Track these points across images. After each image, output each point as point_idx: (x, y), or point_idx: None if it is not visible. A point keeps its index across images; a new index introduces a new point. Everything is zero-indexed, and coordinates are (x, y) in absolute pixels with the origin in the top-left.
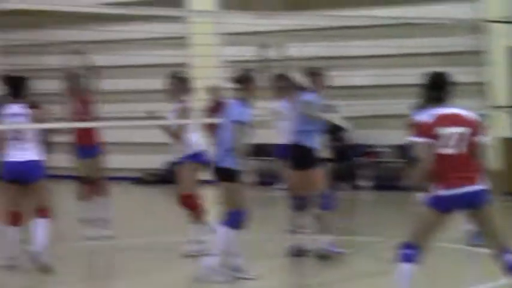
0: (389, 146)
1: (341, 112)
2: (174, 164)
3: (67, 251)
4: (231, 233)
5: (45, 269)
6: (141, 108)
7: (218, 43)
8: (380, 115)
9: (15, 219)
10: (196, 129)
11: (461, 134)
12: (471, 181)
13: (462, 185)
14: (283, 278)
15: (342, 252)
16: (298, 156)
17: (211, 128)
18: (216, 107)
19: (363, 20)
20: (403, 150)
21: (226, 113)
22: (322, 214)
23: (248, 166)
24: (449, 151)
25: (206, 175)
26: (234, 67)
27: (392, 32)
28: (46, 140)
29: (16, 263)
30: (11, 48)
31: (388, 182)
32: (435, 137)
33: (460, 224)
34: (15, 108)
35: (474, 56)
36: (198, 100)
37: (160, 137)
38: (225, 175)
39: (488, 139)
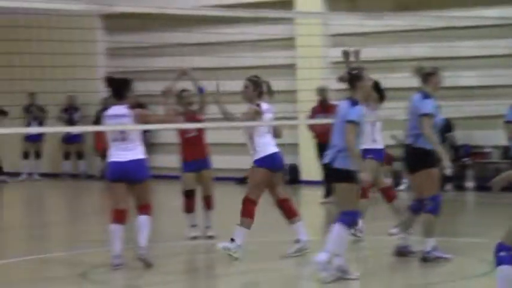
0: (495, 147)
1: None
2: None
3: (168, 250)
4: (344, 232)
5: (148, 266)
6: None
7: (325, 44)
8: (486, 116)
9: (120, 217)
10: (266, 132)
11: None
12: None
13: None
14: (388, 278)
15: (448, 257)
16: (414, 158)
17: (320, 129)
18: (323, 108)
19: (471, 21)
20: (508, 150)
21: (337, 113)
22: (428, 217)
23: (362, 166)
24: None
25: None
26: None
27: (500, 32)
28: (148, 141)
29: (121, 260)
30: (118, 50)
31: None
32: None
33: None
34: (119, 109)
35: None
36: (304, 101)
37: None
38: (339, 176)
39: None
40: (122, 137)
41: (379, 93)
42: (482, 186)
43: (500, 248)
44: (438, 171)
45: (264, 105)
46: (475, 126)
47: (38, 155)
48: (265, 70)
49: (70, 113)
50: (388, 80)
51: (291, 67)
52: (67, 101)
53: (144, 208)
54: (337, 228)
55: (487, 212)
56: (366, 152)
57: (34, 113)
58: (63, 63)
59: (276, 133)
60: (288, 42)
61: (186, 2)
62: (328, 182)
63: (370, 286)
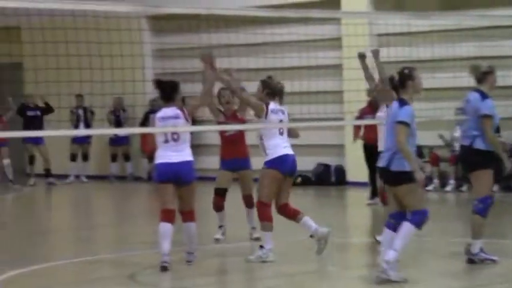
0: None
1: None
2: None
3: (213, 252)
4: (413, 232)
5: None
6: (297, 109)
7: (371, 44)
8: None
9: (169, 216)
10: (276, 134)
11: None
12: None
13: None
14: (433, 280)
15: (495, 259)
16: (472, 159)
17: (368, 131)
18: (373, 109)
19: None
20: None
21: (388, 115)
22: (476, 218)
23: (415, 166)
24: None
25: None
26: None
27: None
28: (193, 142)
29: (169, 258)
30: (165, 52)
31: None
32: None
33: None
34: (168, 111)
35: None
36: (350, 102)
37: (311, 139)
38: (398, 179)
39: None
40: (174, 138)
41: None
42: None
43: None
44: (492, 172)
45: (273, 106)
46: None
47: (85, 157)
48: (312, 70)
49: (117, 114)
50: (434, 80)
51: (337, 67)
52: (114, 103)
53: (188, 214)
54: (407, 227)
55: None
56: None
57: (81, 116)
58: (110, 65)
59: (292, 134)
60: (335, 43)
61: (232, 3)
62: (387, 185)
63: None
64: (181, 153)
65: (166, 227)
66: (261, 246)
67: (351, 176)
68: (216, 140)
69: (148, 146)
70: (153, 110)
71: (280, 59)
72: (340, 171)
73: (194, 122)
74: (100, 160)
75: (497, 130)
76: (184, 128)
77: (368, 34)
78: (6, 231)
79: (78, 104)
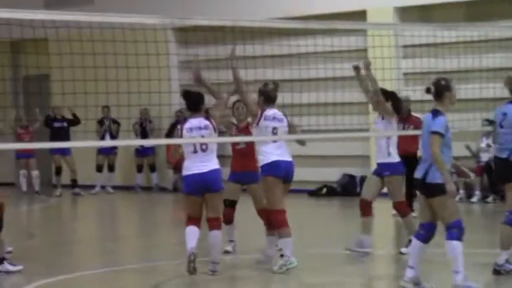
0: None
1: None
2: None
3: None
4: (460, 246)
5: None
6: (322, 120)
7: (396, 55)
8: None
9: (196, 222)
10: (269, 140)
11: None
12: None
13: None
14: None
15: None
16: (508, 171)
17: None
18: (403, 119)
19: None
20: None
21: (423, 126)
22: (506, 229)
23: (447, 178)
24: None
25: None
26: (411, 79)
27: None
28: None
29: (195, 252)
30: (191, 63)
31: None
32: None
33: None
34: (196, 121)
35: None
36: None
37: (337, 150)
38: (433, 191)
39: None
40: (202, 148)
41: (396, 105)
42: None
43: None
44: None
45: (269, 112)
46: None
47: (111, 168)
48: (337, 82)
49: (143, 125)
50: (460, 91)
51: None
52: (141, 114)
53: (215, 221)
54: (451, 246)
55: None
56: (382, 168)
57: (108, 127)
58: (137, 77)
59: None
60: (360, 54)
61: (257, 15)
62: (423, 196)
63: None
64: (209, 163)
65: (192, 229)
66: (282, 255)
67: None
68: None
69: (172, 157)
70: (178, 121)
71: (305, 70)
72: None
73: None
74: (126, 171)
75: None
76: (210, 139)
77: (394, 45)
78: (33, 242)
79: (104, 115)
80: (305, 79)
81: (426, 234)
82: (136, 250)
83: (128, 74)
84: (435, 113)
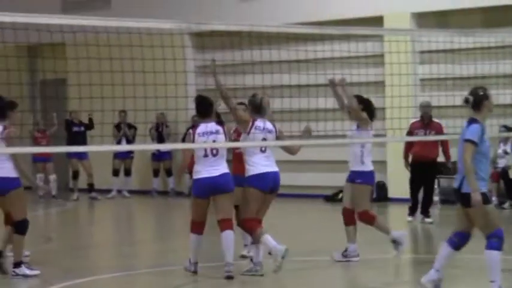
0: None
1: None
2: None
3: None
4: (498, 256)
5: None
6: (339, 126)
7: (413, 61)
8: None
9: (200, 228)
10: (258, 151)
11: None
12: None
13: None
14: None
15: None
16: None
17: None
18: (424, 125)
19: None
20: None
21: (460, 135)
22: None
23: (475, 187)
24: None
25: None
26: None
27: None
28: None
29: (195, 268)
30: (208, 68)
31: None
32: None
33: None
34: (208, 126)
35: None
36: (392, 119)
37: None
38: (469, 200)
39: None
40: (213, 153)
41: (370, 112)
42: None
43: None
44: None
45: (259, 123)
46: None
47: (127, 172)
48: (354, 87)
49: (160, 130)
50: None
51: (379, 84)
52: (157, 119)
53: (227, 222)
54: (489, 256)
55: None
56: (355, 175)
57: (124, 131)
58: (154, 81)
59: (290, 150)
60: (377, 60)
61: (274, 20)
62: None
63: None
64: (219, 168)
65: (196, 238)
66: (251, 260)
67: (392, 192)
68: None
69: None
70: (194, 126)
71: (322, 75)
72: (382, 188)
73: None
74: (142, 175)
75: None
76: (218, 144)
77: (410, 51)
78: (50, 246)
79: (121, 119)
80: (322, 84)
81: (459, 242)
82: (153, 254)
83: (145, 78)
84: (470, 122)
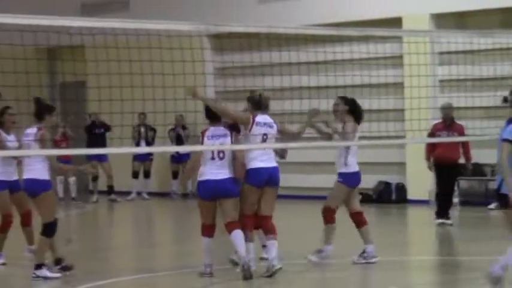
0: None
1: None
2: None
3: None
4: None
5: (248, 277)
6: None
7: (432, 62)
8: None
9: (211, 231)
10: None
11: None
12: None
13: None
14: None
15: None
16: None
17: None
18: (446, 126)
19: None
20: None
21: (500, 133)
22: None
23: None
24: None
25: None
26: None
27: None
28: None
29: (210, 269)
30: (227, 70)
31: None
32: None
33: None
34: (216, 129)
35: None
36: (412, 120)
37: (372, 156)
38: (507, 201)
39: None
40: (220, 156)
41: (356, 113)
42: None
43: None
44: None
45: (260, 118)
46: None
47: (147, 175)
48: (373, 88)
49: (179, 132)
50: (497, 97)
51: (398, 85)
52: (176, 121)
53: (233, 224)
54: None
55: None
56: (338, 176)
57: (143, 133)
58: (173, 83)
59: (280, 152)
60: (396, 61)
61: (292, 21)
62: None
63: None
64: (224, 171)
65: (208, 241)
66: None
67: (411, 194)
68: None
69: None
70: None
71: (341, 77)
72: (401, 189)
73: None
74: (161, 177)
75: None
76: (224, 146)
77: (430, 52)
78: (70, 248)
79: (140, 122)
80: (341, 86)
81: None
82: (172, 256)
83: (164, 80)
84: (510, 121)
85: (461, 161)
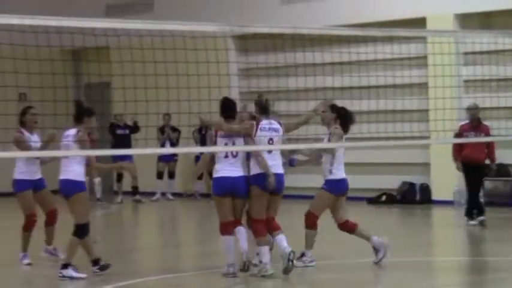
0: None
1: None
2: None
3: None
4: None
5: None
6: (382, 128)
7: (457, 62)
8: None
9: (230, 229)
10: (262, 152)
11: None
12: None
13: None
14: None
15: None
16: None
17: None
18: (473, 127)
19: None
20: None
21: None
22: None
23: None
24: None
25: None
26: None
27: None
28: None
29: (234, 269)
30: (251, 71)
31: None
32: None
33: None
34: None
35: None
36: (436, 120)
37: (396, 157)
38: None
39: None
40: (233, 154)
41: (345, 122)
42: None
43: None
44: None
45: (265, 123)
46: None
47: (171, 175)
48: (397, 89)
49: (203, 133)
50: None
51: (423, 86)
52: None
53: (239, 221)
54: None
55: None
56: (324, 183)
57: (168, 134)
58: (197, 84)
59: (288, 160)
60: (420, 61)
61: (316, 22)
62: None
63: None
64: (237, 169)
65: (228, 239)
66: (260, 261)
67: (436, 195)
68: None
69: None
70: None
71: (365, 77)
72: (425, 190)
73: None
74: (186, 178)
75: None
76: (236, 147)
77: (454, 52)
78: (95, 248)
79: (165, 122)
80: (365, 86)
81: None
82: (197, 257)
83: (189, 81)
84: None
85: (486, 161)
